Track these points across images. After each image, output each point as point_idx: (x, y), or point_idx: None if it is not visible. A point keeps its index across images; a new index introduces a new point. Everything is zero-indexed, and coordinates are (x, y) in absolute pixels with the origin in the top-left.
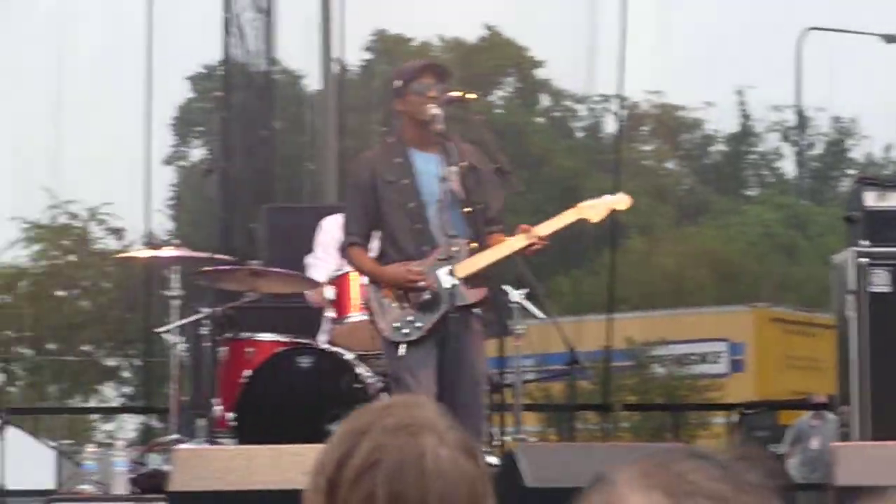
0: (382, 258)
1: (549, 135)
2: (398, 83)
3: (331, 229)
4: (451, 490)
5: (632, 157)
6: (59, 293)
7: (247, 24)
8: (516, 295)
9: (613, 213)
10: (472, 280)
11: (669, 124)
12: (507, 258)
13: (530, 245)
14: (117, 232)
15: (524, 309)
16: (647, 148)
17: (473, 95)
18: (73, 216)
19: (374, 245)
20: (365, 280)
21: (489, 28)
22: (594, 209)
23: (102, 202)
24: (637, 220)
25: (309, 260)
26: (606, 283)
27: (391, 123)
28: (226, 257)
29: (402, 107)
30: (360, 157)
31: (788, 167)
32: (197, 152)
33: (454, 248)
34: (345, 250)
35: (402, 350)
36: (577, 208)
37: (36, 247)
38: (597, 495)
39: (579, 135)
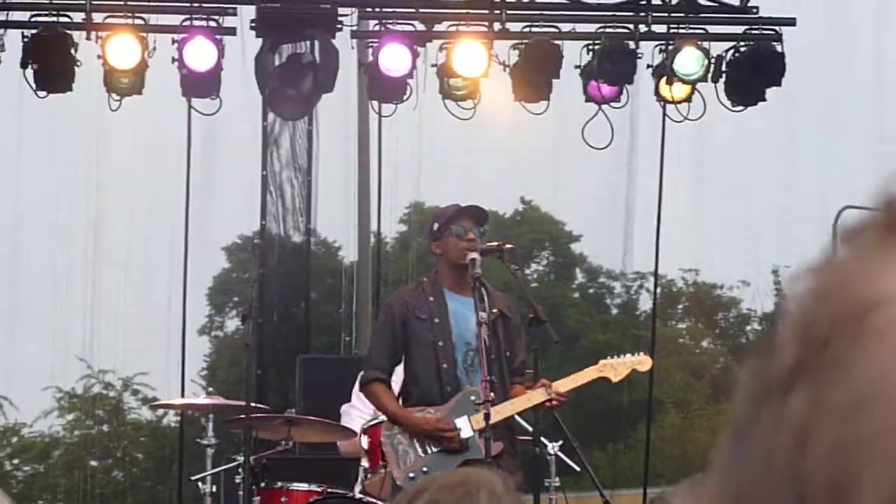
0: (404, 396)
1: (584, 309)
2: (436, 225)
3: None
4: None
5: (667, 334)
6: (93, 463)
7: (286, 182)
8: (552, 447)
9: (634, 373)
10: (489, 431)
11: (705, 303)
12: (525, 412)
13: (549, 400)
14: (151, 401)
15: (561, 461)
16: (683, 326)
17: (510, 245)
18: (108, 385)
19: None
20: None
21: (525, 202)
22: (615, 369)
23: (137, 372)
24: (673, 396)
25: (345, 408)
26: (642, 458)
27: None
28: (261, 405)
29: (439, 249)
30: (395, 293)
31: None
32: (232, 322)
33: (473, 397)
34: (367, 385)
35: None
36: (599, 366)
37: (70, 416)
38: None
39: (614, 311)
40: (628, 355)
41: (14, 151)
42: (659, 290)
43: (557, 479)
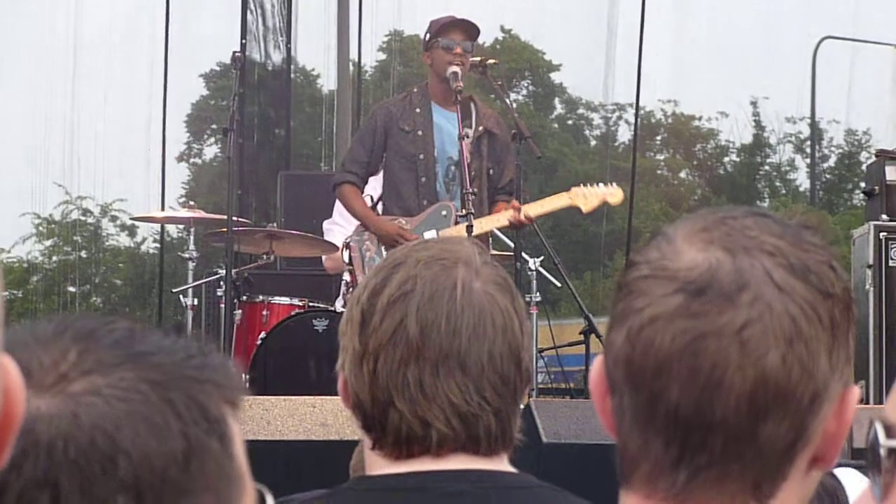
0: (381, 206)
1: (563, 139)
2: (427, 36)
3: None
4: (484, 321)
5: (646, 165)
6: (71, 289)
7: (267, 1)
8: (533, 263)
9: (605, 205)
10: None
11: (684, 134)
12: (492, 231)
13: (518, 222)
14: (129, 228)
15: (541, 277)
16: (661, 157)
17: (494, 61)
18: (86, 212)
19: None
20: (351, 229)
21: (505, 31)
22: (586, 198)
23: (115, 198)
24: (650, 227)
25: (326, 225)
26: None
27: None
28: (243, 220)
29: (429, 60)
30: (382, 102)
31: (802, 179)
32: (210, 150)
33: (444, 212)
34: (338, 186)
35: None
36: (570, 193)
37: (48, 242)
38: (653, 251)
39: (593, 142)
40: (601, 185)
41: None
42: (638, 121)
43: (538, 294)
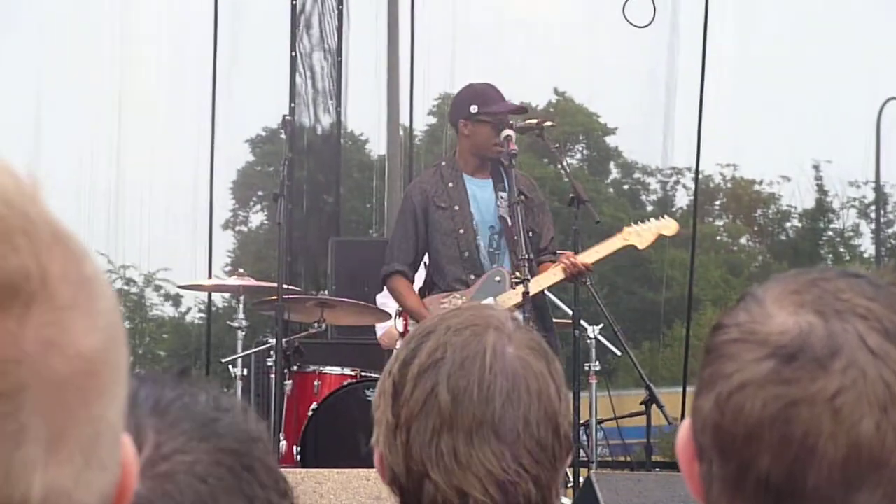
0: (428, 288)
1: (619, 205)
2: (474, 108)
3: None
4: (518, 386)
5: (705, 231)
6: None
7: (316, 64)
8: (591, 331)
9: (661, 238)
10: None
11: (744, 199)
12: (553, 287)
13: (573, 270)
14: (174, 298)
15: (600, 345)
16: (721, 223)
17: (551, 123)
18: (130, 282)
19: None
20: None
21: (559, 93)
22: (640, 235)
23: (159, 267)
24: (710, 294)
25: (381, 299)
26: (680, 356)
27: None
28: (293, 287)
29: (468, 131)
30: (413, 181)
31: (867, 244)
32: (257, 217)
33: (497, 278)
34: (387, 278)
35: None
36: (623, 234)
37: None
38: (742, 314)
39: (650, 207)
40: (653, 220)
41: (35, 29)
42: (697, 185)
43: (598, 363)
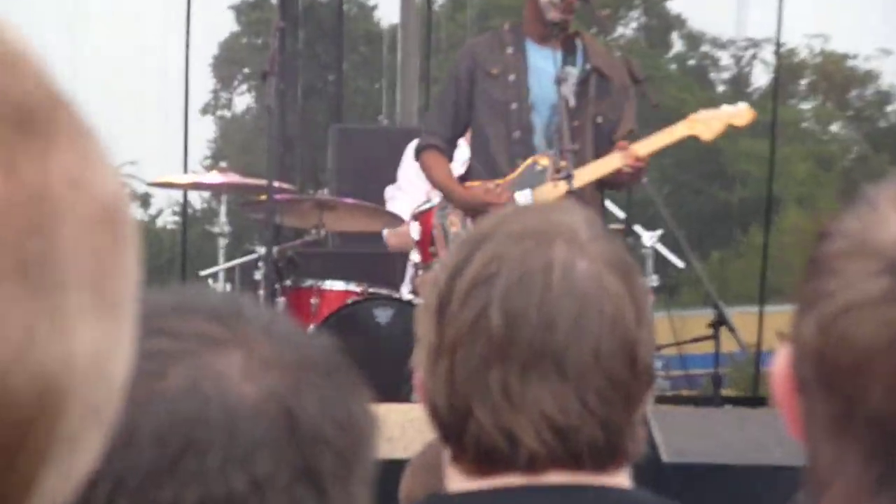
0: (470, 172)
1: (683, 84)
2: None
3: None
4: (590, 311)
5: (788, 117)
6: None
7: None
8: (649, 238)
9: (731, 129)
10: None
11: (836, 77)
12: (601, 181)
13: (629, 167)
14: (142, 197)
15: (659, 256)
16: (808, 106)
17: None
18: None
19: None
20: (436, 199)
21: None
22: (707, 124)
23: (125, 161)
24: (795, 193)
25: (390, 192)
26: (757, 268)
27: None
28: (286, 186)
29: None
30: (466, 44)
31: None
32: (243, 100)
33: (538, 167)
34: (420, 153)
35: None
36: (688, 121)
37: None
38: (852, 220)
39: (721, 87)
40: (725, 106)
41: None
42: (779, 60)
43: (655, 277)
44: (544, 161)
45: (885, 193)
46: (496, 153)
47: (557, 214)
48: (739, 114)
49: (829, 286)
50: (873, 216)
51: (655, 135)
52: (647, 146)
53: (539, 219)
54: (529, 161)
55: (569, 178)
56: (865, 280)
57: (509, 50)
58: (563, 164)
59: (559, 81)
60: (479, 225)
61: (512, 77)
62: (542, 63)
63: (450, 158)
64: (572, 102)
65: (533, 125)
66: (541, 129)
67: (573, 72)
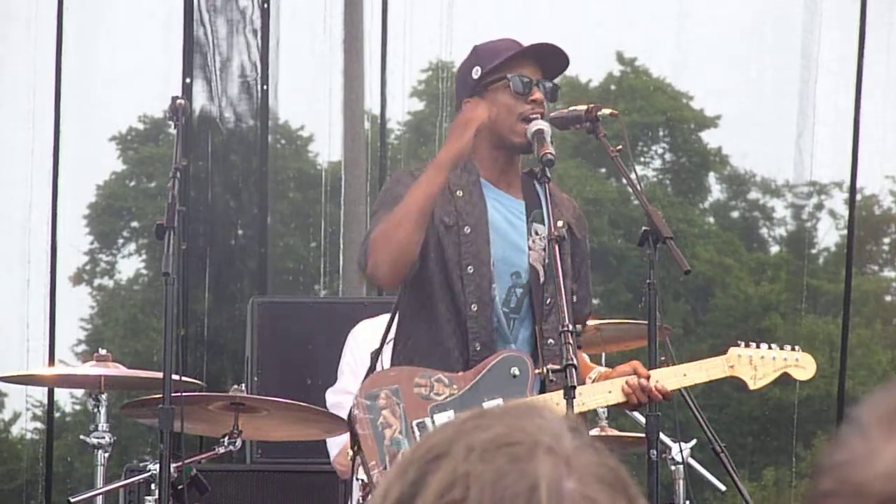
0: (400, 354)
1: (724, 241)
2: (476, 71)
3: (368, 341)
4: None
5: (866, 287)
6: None
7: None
8: (678, 451)
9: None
10: None
11: None
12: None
13: (642, 399)
14: None
15: (694, 474)
16: (893, 274)
17: (611, 111)
18: None
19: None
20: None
21: (625, 62)
22: (755, 368)
23: None
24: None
25: (333, 398)
26: None
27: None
28: (190, 380)
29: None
30: (404, 169)
31: None
32: (129, 264)
33: (514, 369)
34: (367, 238)
35: None
36: (728, 356)
37: None
38: (843, 453)
39: (775, 248)
40: (787, 348)
41: None
42: (854, 211)
43: (688, 503)
44: (520, 363)
45: (876, 414)
46: (441, 330)
47: (532, 419)
48: (801, 364)
49: None
50: (863, 447)
51: (688, 366)
52: (675, 378)
53: (510, 425)
54: (497, 359)
55: (570, 394)
56: None
57: (459, 192)
58: (552, 366)
59: (555, 239)
60: (430, 435)
61: (467, 229)
62: (505, 214)
63: None
64: (542, 276)
65: (493, 298)
66: (499, 305)
67: (541, 229)
